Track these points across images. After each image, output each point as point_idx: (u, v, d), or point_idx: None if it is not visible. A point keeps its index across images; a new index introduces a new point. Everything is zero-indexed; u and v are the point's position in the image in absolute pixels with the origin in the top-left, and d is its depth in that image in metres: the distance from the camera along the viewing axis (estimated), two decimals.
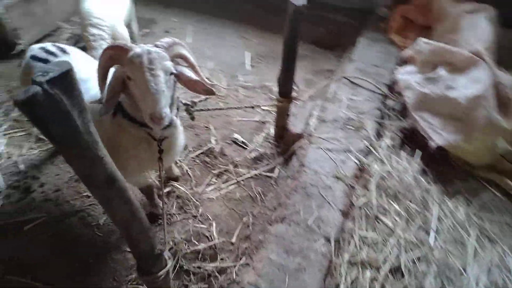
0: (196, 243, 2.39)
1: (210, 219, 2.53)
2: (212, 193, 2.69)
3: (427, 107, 2.83)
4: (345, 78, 3.22)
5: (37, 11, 3.63)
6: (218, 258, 2.31)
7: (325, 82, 3.50)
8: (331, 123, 2.85)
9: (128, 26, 3.68)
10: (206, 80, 1.89)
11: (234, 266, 2.24)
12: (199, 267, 2.28)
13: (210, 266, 2.27)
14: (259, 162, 2.90)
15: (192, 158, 2.92)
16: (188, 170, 2.83)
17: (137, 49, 1.63)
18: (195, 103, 2.06)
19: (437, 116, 2.79)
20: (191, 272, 2.27)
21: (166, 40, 1.74)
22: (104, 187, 1.19)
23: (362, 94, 3.09)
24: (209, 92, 1.92)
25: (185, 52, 1.81)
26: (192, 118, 2.10)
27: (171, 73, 1.71)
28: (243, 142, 3.03)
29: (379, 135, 2.84)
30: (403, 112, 3.02)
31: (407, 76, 3.03)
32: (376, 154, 2.66)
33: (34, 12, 3.62)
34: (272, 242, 2.16)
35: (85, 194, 2.66)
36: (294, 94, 2.63)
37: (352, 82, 3.19)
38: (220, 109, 2.53)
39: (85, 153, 1.08)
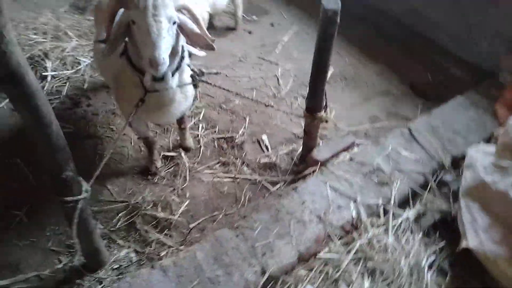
0: (159, 210, 2.39)
1: (185, 197, 2.49)
2: (206, 176, 2.64)
3: (480, 198, 2.21)
4: (408, 128, 2.75)
5: None
6: (165, 232, 2.27)
7: (387, 125, 3.05)
8: (356, 165, 2.48)
9: (233, 3, 3.83)
10: (207, 34, 1.89)
11: (169, 247, 2.18)
12: (146, 231, 2.28)
13: (154, 235, 2.26)
14: (269, 171, 2.72)
15: (213, 138, 2.91)
16: (202, 146, 2.84)
17: None
18: (202, 72, 2.04)
19: (487, 214, 2.15)
20: (137, 230, 2.29)
21: None
22: (6, 85, 1.26)
23: (416, 152, 2.59)
24: (209, 47, 1.94)
25: (190, 5, 1.83)
26: (195, 86, 2.08)
27: (174, 22, 1.74)
28: (266, 146, 2.88)
29: (405, 203, 2.35)
30: (456, 193, 2.43)
31: (478, 154, 2.40)
32: (384, 219, 2.22)
33: None
34: (210, 243, 2.02)
35: (111, 127, 2.92)
36: (322, 114, 2.36)
37: (412, 135, 2.70)
38: (230, 91, 2.23)
39: None
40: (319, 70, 2.15)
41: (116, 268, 2.12)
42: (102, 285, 2.03)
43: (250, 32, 4.10)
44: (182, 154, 2.76)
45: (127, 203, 2.44)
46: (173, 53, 1.85)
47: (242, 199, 2.51)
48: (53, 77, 3.23)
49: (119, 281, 1.85)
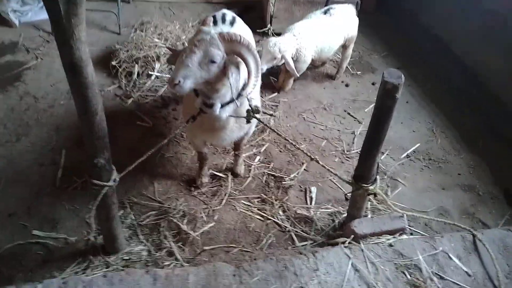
0: (185, 221, 2.49)
1: (213, 219, 2.55)
2: (241, 206, 2.67)
3: None
4: (473, 235, 2.35)
5: None
6: (180, 244, 2.36)
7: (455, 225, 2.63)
8: (392, 252, 2.21)
9: (344, 47, 3.84)
10: (252, 86, 1.92)
11: (176, 260, 2.25)
12: (165, 236, 2.40)
13: (169, 243, 2.36)
14: (303, 224, 2.60)
15: (264, 173, 2.93)
16: (250, 177, 2.87)
17: (205, 28, 1.83)
18: (258, 110, 2.09)
19: None
20: (159, 232, 2.43)
21: (232, 34, 1.82)
22: (68, 73, 1.49)
23: (471, 266, 2.18)
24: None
25: (246, 55, 1.84)
26: (247, 121, 2.14)
27: (213, 61, 1.81)
28: (311, 198, 2.78)
29: None
30: None
31: None
32: None
33: None
34: (206, 271, 2.01)
35: (183, 134, 3.16)
36: (369, 186, 2.18)
37: (475, 245, 2.29)
38: (280, 135, 2.17)
39: (62, 37, 1.39)
40: (371, 141, 2.01)
41: (125, 259, 2.27)
42: (107, 269, 2.19)
43: (347, 85, 4.03)
44: (229, 178, 2.84)
45: (162, 204, 2.61)
46: (225, 88, 1.96)
47: (264, 242, 2.46)
48: (156, 77, 3.67)
49: (114, 272, 1.97)
